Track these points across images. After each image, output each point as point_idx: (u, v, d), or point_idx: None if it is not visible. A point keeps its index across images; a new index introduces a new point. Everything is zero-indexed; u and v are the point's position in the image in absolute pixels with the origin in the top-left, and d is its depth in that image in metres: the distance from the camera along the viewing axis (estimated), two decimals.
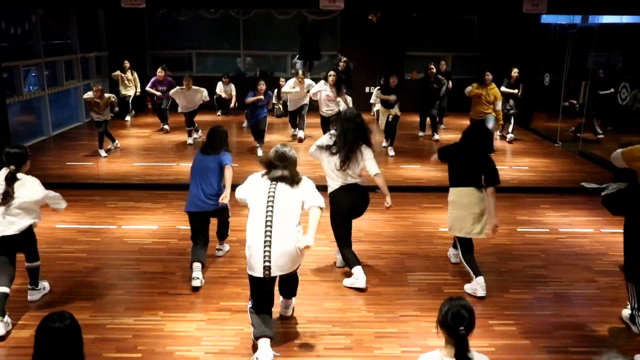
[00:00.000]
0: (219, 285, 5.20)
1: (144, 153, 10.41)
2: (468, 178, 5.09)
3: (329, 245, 6.06)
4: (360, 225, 6.63)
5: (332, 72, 9.70)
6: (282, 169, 4.14)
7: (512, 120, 11.29)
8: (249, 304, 4.21)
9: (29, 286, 4.91)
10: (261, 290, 4.13)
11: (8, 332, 4.38)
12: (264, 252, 3.95)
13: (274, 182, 4.10)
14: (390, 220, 6.98)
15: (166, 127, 11.86)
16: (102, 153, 9.89)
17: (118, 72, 12.48)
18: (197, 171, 5.47)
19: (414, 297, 5.05)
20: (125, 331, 4.43)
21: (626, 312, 4.61)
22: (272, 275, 4.01)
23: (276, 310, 4.67)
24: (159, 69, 11.51)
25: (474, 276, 5.08)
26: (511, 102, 11.13)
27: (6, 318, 4.42)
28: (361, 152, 5.17)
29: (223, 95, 12.41)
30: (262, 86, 9.87)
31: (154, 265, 5.62)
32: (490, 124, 9.94)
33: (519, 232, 6.67)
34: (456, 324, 2.71)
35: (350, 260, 5.30)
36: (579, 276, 5.53)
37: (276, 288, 4.34)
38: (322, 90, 9.62)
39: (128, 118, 13.00)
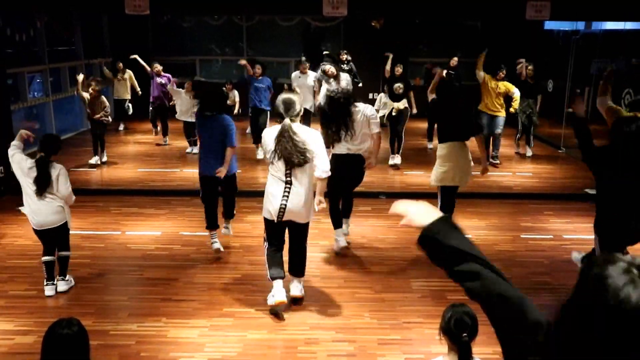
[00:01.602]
0: (222, 292, 5.19)
1: (147, 159, 10.42)
2: (455, 133, 5.80)
3: (331, 253, 6.06)
4: (363, 232, 6.63)
5: (329, 66, 9.26)
6: (289, 117, 4.52)
7: (530, 130, 10.49)
8: (265, 246, 4.84)
9: (58, 277, 5.16)
10: (275, 231, 4.78)
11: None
12: (282, 199, 4.53)
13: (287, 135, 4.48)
14: (393, 226, 6.96)
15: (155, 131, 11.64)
16: (93, 160, 9.61)
17: (109, 74, 12.18)
18: (206, 137, 5.72)
19: (418, 303, 5.04)
20: (128, 337, 4.43)
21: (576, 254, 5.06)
22: (285, 219, 4.60)
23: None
24: (155, 64, 11.12)
25: None
26: (532, 104, 10.23)
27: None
28: (355, 113, 5.70)
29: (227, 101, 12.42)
30: (258, 70, 9.78)
31: (157, 272, 5.62)
32: (499, 129, 9.65)
33: (523, 239, 6.65)
34: (459, 331, 2.71)
35: (333, 219, 6.02)
36: None
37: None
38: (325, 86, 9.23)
39: (121, 127, 12.81)
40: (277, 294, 4.67)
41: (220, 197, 6.08)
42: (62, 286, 5.14)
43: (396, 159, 9.61)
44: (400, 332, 4.55)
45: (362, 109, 5.77)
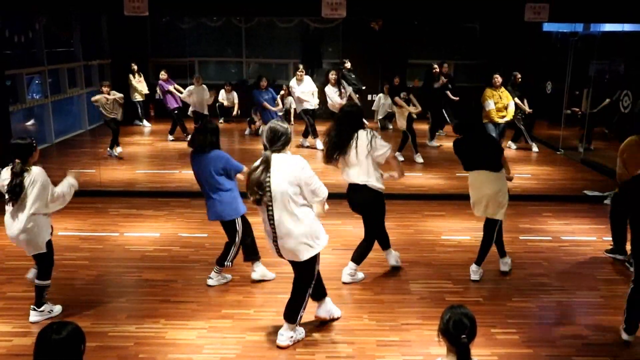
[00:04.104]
0: (220, 293, 5.19)
1: (146, 160, 10.43)
2: (471, 163, 5.41)
3: (332, 254, 6.06)
4: (363, 233, 6.62)
5: (332, 71, 10.14)
6: (273, 151, 4.08)
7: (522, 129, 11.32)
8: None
9: (31, 306, 4.70)
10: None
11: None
12: (272, 237, 4.16)
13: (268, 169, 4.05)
14: (392, 228, 6.96)
15: (170, 137, 11.92)
16: (115, 152, 10.29)
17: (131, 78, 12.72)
18: (202, 177, 5.12)
19: (416, 305, 5.04)
20: (126, 339, 4.42)
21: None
22: (285, 257, 4.22)
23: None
24: (162, 72, 11.83)
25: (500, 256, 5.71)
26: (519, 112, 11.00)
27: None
28: (356, 138, 5.04)
29: (225, 103, 12.45)
30: (264, 82, 10.42)
31: (156, 273, 5.62)
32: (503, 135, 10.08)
33: (522, 240, 6.65)
34: (458, 332, 2.70)
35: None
36: (581, 284, 5.51)
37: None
38: (329, 91, 10.05)
39: (147, 124, 13.39)
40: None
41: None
42: (33, 317, 4.65)
43: (418, 158, 10.21)
44: (399, 333, 4.55)
45: (365, 136, 5.08)
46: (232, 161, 5.11)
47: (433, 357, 2.97)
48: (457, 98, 11.65)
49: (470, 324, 2.73)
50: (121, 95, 10.23)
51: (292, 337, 4.35)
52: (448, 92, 11.51)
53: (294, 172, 4.03)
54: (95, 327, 4.55)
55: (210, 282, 5.35)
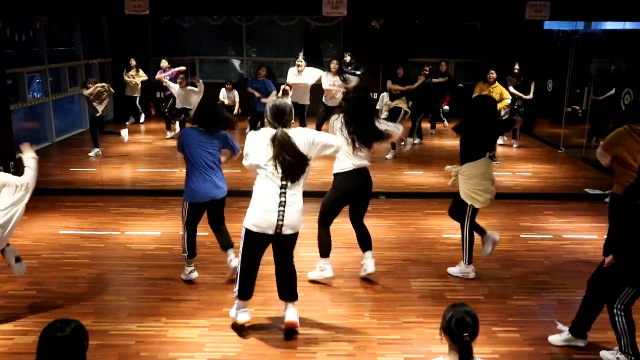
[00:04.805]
0: (221, 291, 5.19)
1: (147, 159, 10.43)
2: (482, 150, 5.44)
3: (332, 252, 6.05)
4: None
5: (334, 60, 10.12)
6: (282, 126, 4.14)
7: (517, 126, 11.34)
8: (238, 270, 4.41)
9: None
10: (256, 251, 4.35)
11: None
12: (278, 212, 4.10)
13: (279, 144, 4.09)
14: (393, 226, 6.97)
15: (169, 134, 11.91)
16: (92, 153, 10.23)
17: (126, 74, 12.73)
18: (202, 154, 5.12)
19: (417, 303, 5.04)
20: (127, 337, 4.43)
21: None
22: (284, 233, 4.15)
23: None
24: (162, 60, 12.03)
25: (469, 262, 5.52)
26: (518, 100, 11.01)
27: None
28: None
29: (226, 101, 12.42)
30: (263, 71, 10.46)
31: (157, 271, 5.62)
32: None
33: (522, 239, 6.65)
34: (460, 330, 2.70)
35: (322, 246, 5.38)
36: (582, 283, 5.45)
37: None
38: (326, 80, 9.99)
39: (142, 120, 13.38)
40: (242, 314, 4.47)
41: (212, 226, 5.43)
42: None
43: (389, 155, 10.36)
44: (400, 331, 4.55)
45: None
46: (232, 139, 5.30)
47: (434, 355, 2.97)
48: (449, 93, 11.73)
49: (472, 322, 2.73)
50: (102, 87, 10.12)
51: (297, 314, 4.45)
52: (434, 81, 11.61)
53: (307, 136, 4.20)
54: (96, 326, 4.55)
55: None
